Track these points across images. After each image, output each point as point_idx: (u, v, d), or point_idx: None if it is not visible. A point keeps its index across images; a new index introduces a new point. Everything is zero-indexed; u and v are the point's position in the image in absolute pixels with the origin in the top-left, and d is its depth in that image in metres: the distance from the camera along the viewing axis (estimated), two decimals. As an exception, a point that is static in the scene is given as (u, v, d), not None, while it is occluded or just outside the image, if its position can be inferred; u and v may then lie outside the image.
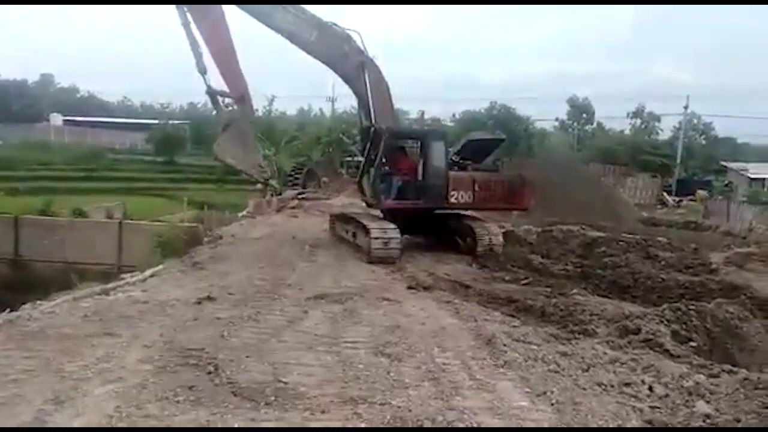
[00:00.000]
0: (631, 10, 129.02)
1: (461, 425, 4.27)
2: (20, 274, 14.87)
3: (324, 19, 12.58)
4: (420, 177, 12.35)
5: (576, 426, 4.38)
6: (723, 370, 5.25)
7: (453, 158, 13.22)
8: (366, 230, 11.44)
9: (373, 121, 12.69)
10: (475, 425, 4.30)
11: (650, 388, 4.98)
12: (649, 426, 4.36)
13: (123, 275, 10.59)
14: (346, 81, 12.96)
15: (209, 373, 5.02)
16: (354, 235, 12.52)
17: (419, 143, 13.11)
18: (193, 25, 11.68)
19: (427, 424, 4.24)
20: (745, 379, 4.88)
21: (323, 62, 12.71)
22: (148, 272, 10.12)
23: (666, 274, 10.34)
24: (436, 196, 12.18)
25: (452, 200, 12.25)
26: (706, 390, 4.82)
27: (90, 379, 4.80)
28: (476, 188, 12.40)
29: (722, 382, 4.96)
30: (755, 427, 3.95)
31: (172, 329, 6.29)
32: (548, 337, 6.62)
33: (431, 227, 13.26)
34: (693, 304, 7.07)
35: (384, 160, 12.45)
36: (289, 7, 12.36)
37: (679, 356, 5.76)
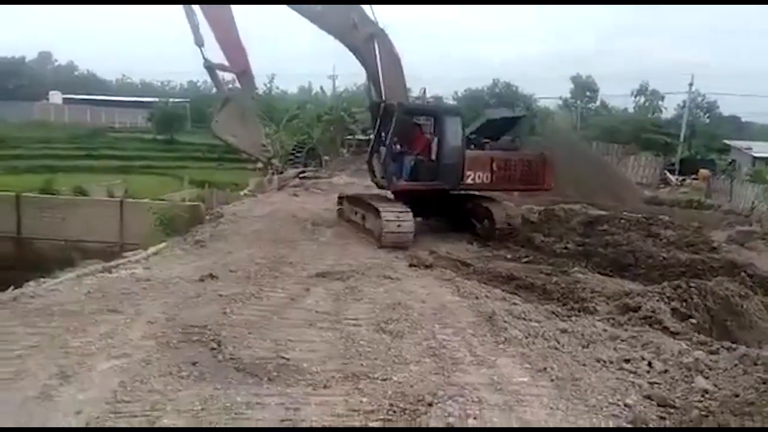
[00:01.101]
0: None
1: (462, 400, 4.32)
2: (22, 252, 14.93)
3: None
4: (434, 156, 11.64)
5: (575, 398, 4.43)
6: (722, 347, 5.29)
7: (469, 136, 12.42)
8: (377, 213, 10.82)
9: (384, 96, 12.00)
10: (476, 400, 4.35)
11: (649, 364, 5.03)
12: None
13: (125, 253, 10.61)
14: (355, 53, 12.15)
15: (212, 349, 5.08)
16: (364, 217, 11.93)
17: (433, 120, 12.29)
18: None
19: (428, 399, 4.29)
20: (744, 355, 4.92)
21: (331, 33, 11.89)
22: (150, 250, 10.14)
23: (667, 253, 10.35)
24: (451, 177, 11.50)
25: (468, 181, 11.60)
26: (705, 366, 4.86)
27: (94, 355, 4.86)
28: (494, 168, 11.72)
29: (721, 359, 5.00)
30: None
31: (175, 306, 6.33)
32: (549, 314, 6.67)
33: (445, 209, 12.62)
34: (693, 282, 7.09)
35: (395, 138, 11.73)
36: None
37: (678, 333, 5.80)
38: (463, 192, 12.18)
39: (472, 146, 12.19)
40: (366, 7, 11.82)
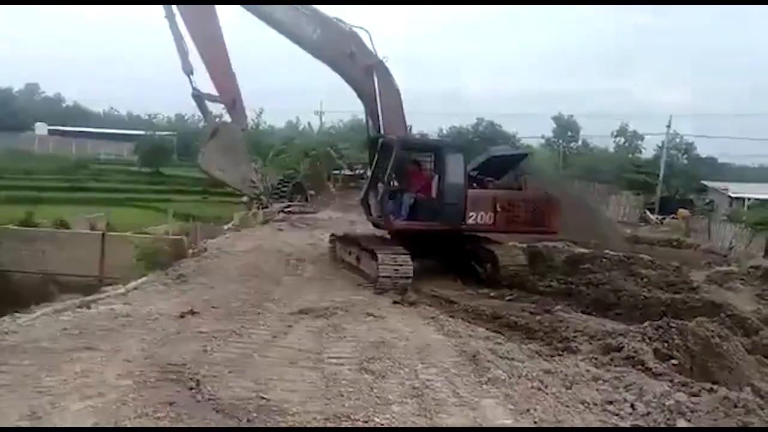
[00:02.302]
0: (613, 28, 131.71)
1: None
2: (0, 286, 14.56)
3: (328, 15, 11.43)
4: (434, 194, 11.04)
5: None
6: (703, 389, 5.30)
7: (470, 173, 11.73)
8: (373, 255, 10.17)
9: (382, 131, 11.65)
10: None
11: (632, 406, 5.03)
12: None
13: (105, 288, 10.39)
14: (353, 85, 11.77)
15: (191, 388, 4.97)
16: (358, 259, 11.25)
17: (434, 156, 11.72)
18: (178, 18, 10.34)
19: (410, 442, 4.22)
20: (725, 397, 4.94)
21: (327, 63, 11.50)
22: (130, 285, 9.96)
23: (648, 292, 10.45)
24: (452, 217, 10.82)
25: (470, 222, 10.92)
26: (687, 408, 4.87)
27: (68, 395, 4.72)
28: (497, 209, 11.02)
29: (702, 401, 5.01)
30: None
31: (154, 343, 6.22)
32: (532, 353, 6.66)
33: (444, 251, 11.74)
34: (674, 322, 7.13)
35: (394, 174, 11.25)
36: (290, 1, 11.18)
37: (660, 374, 5.80)
38: (464, 233, 11.48)
39: (474, 185, 11.59)
40: (365, 38, 11.49)
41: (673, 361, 6.30)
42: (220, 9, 10.71)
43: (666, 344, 6.58)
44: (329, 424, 4.48)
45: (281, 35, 11.31)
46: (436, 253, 11.79)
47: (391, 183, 11.23)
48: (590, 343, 7.16)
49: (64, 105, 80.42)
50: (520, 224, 11.46)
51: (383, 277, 9.80)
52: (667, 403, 4.98)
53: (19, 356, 5.58)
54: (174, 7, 10.31)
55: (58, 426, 4.16)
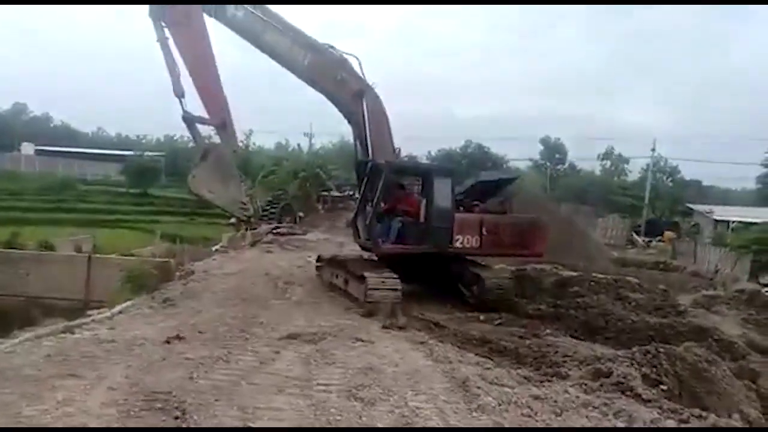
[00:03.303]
0: (604, 54, 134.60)
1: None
2: (-20, 309, 14.27)
3: (319, 41, 11.57)
4: (422, 218, 11.20)
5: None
6: (692, 415, 5.32)
7: (458, 199, 11.86)
8: (361, 278, 10.21)
9: (371, 155, 11.73)
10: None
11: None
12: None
13: (90, 311, 10.23)
14: (342, 110, 11.89)
15: (176, 418, 4.87)
16: (346, 282, 11.27)
17: (422, 181, 11.88)
18: (171, 41, 10.47)
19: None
20: (714, 424, 4.95)
21: (317, 89, 11.67)
22: (116, 309, 9.83)
23: (636, 316, 10.50)
24: (439, 240, 10.96)
25: (457, 245, 11.08)
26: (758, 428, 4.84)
27: (49, 425, 4.60)
28: (484, 232, 11.24)
29: (692, 428, 5.01)
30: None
31: (139, 370, 6.10)
32: (522, 379, 6.64)
33: (431, 273, 11.93)
34: (662, 347, 7.17)
35: (382, 198, 11.31)
36: (281, 26, 11.29)
37: (649, 400, 5.81)
38: (451, 256, 11.54)
39: (461, 208, 11.72)
40: (354, 63, 11.64)
41: (662, 387, 6.31)
42: (213, 33, 10.84)
43: (655, 369, 6.60)
44: (317, 454, 4.41)
45: (272, 60, 11.44)
46: (423, 275, 11.90)
47: (380, 207, 11.29)
48: (580, 369, 7.14)
49: (51, 125, 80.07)
50: (505, 247, 11.69)
51: (371, 301, 9.79)
52: (656, 431, 4.97)
53: (0, 384, 5.45)
54: (166, 30, 10.42)
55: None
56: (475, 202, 12.30)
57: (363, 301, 9.99)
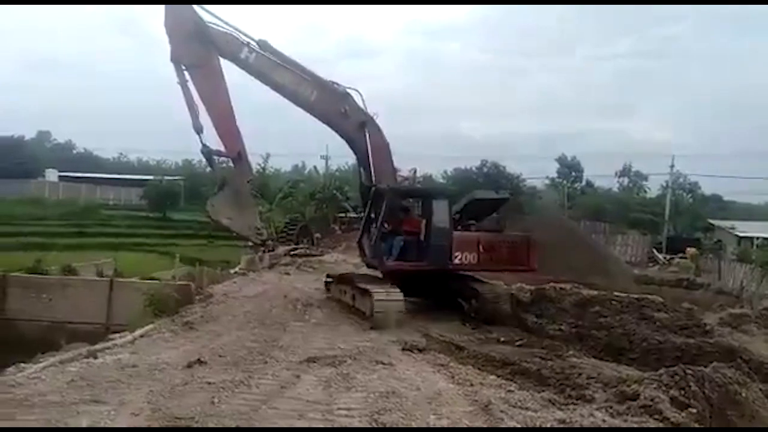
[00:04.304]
0: (611, 70, 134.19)
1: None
2: (5, 334, 14.49)
3: (324, 78, 12.45)
4: (423, 237, 11.94)
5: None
6: (724, 440, 5.15)
7: (454, 217, 12.61)
8: (367, 293, 10.92)
9: (374, 180, 12.50)
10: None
11: (651, 460, 4.86)
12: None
13: (112, 335, 10.35)
14: (347, 140, 12.79)
15: (198, 443, 4.87)
16: (354, 297, 11.97)
17: (422, 202, 12.78)
18: (190, 84, 11.47)
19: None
20: (747, 450, 4.78)
21: (323, 121, 12.53)
22: (137, 332, 9.93)
23: (661, 336, 10.26)
24: (439, 258, 11.69)
25: (456, 262, 11.79)
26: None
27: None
28: (481, 249, 11.95)
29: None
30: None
31: (161, 395, 6.13)
32: (545, 402, 6.51)
33: (432, 289, 12.69)
34: (690, 368, 6.99)
35: (386, 219, 12.06)
36: (289, 65, 12.18)
37: (679, 424, 5.65)
38: (450, 272, 12.22)
39: (459, 227, 12.41)
40: (356, 96, 12.54)
41: (692, 410, 6.13)
42: (228, 73, 11.86)
43: (683, 392, 6.42)
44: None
45: (282, 97, 12.36)
46: (425, 290, 12.68)
47: (384, 227, 12.02)
48: (604, 391, 6.98)
49: (74, 151, 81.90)
50: (501, 263, 12.43)
51: (378, 312, 10.49)
52: (687, 456, 4.82)
53: (25, 411, 5.52)
54: (186, 74, 11.42)
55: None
56: (471, 222, 12.98)
57: (370, 314, 10.66)
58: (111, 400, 5.92)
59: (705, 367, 7.36)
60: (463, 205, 13.40)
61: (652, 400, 6.19)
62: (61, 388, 6.31)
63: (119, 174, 66.56)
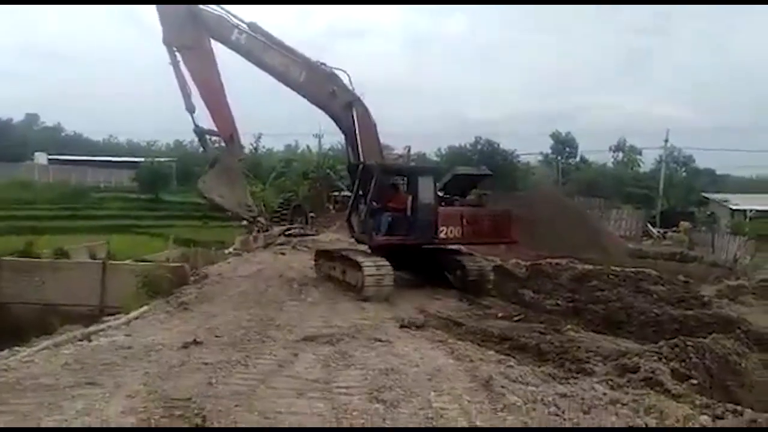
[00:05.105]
0: (612, 45, 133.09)
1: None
2: (0, 318, 14.35)
3: (312, 59, 12.70)
4: (410, 213, 12.29)
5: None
6: (727, 410, 5.12)
7: (439, 193, 13.15)
8: (358, 266, 11.28)
9: (361, 158, 12.71)
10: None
11: (655, 432, 4.83)
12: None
13: (106, 317, 10.23)
14: (335, 119, 13.02)
15: (196, 425, 4.78)
16: (344, 272, 12.29)
17: (408, 179, 13.12)
18: (182, 64, 11.70)
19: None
20: (752, 420, 4.76)
21: (312, 101, 12.77)
22: (132, 314, 9.80)
23: (659, 309, 10.30)
24: (426, 232, 12.10)
25: (442, 236, 12.22)
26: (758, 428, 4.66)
27: (69, 435, 4.54)
28: (465, 223, 12.40)
29: (728, 424, 4.82)
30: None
31: (157, 377, 6.03)
32: (546, 377, 6.47)
33: (419, 262, 13.19)
34: (690, 340, 6.98)
35: (374, 196, 12.36)
36: (278, 47, 12.43)
37: (680, 396, 5.63)
38: (436, 246, 12.68)
39: (443, 203, 12.84)
40: (344, 77, 12.77)
41: (692, 381, 6.14)
42: (219, 54, 12.09)
43: (683, 363, 6.42)
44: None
45: (271, 76, 12.54)
46: (412, 264, 13.20)
47: (372, 204, 12.31)
48: (604, 364, 6.98)
49: (63, 134, 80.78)
50: (484, 235, 12.94)
51: (368, 285, 10.90)
52: (691, 427, 4.79)
53: (18, 394, 5.40)
54: (178, 54, 11.62)
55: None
56: (456, 197, 13.44)
57: (360, 286, 11.05)
58: (106, 382, 5.81)
59: (704, 338, 7.37)
60: (447, 182, 13.86)
61: (652, 372, 6.18)
62: (55, 371, 6.19)
63: (109, 156, 65.79)
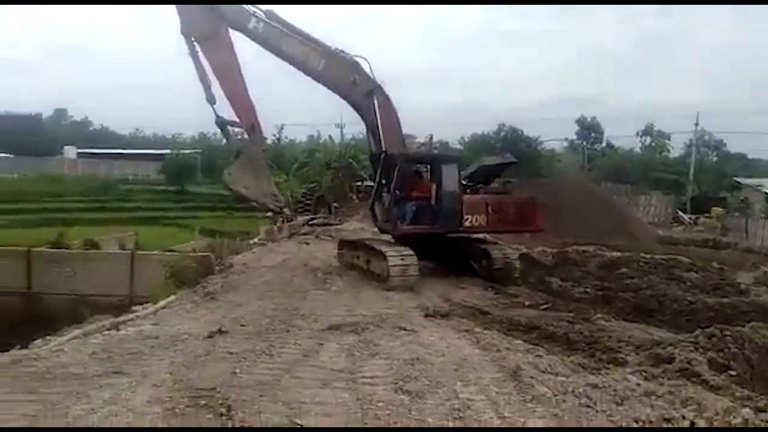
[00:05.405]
0: (631, 31, 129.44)
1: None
2: (32, 308, 14.70)
3: (332, 47, 12.52)
4: (434, 201, 12.16)
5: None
6: (770, 403, 4.89)
7: (463, 182, 12.97)
8: (382, 256, 11.21)
9: (384, 147, 12.56)
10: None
11: (693, 425, 4.63)
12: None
13: (134, 307, 10.38)
14: (355, 108, 12.83)
15: (221, 415, 4.76)
16: (368, 261, 12.23)
17: (431, 167, 12.97)
18: (201, 55, 11.68)
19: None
20: (797, 413, 4.52)
21: (332, 90, 12.61)
22: (159, 304, 9.92)
23: (693, 296, 9.97)
24: (450, 220, 11.97)
25: (467, 224, 12.07)
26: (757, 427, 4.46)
27: (95, 425, 4.56)
28: (490, 211, 12.23)
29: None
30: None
31: (183, 366, 6.05)
32: (576, 367, 6.29)
33: (444, 251, 13.03)
34: (727, 329, 6.71)
35: (398, 185, 12.26)
36: (298, 36, 12.31)
37: (719, 387, 5.39)
38: (461, 234, 12.56)
39: (468, 191, 12.70)
40: (364, 65, 12.53)
41: (731, 372, 5.89)
42: (238, 44, 12.07)
43: (721, 353, 6.17)
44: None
45: (290, 66, 12.39)
46: (437, 253, 12.97)
47: (396, 193, 12.17)
48: (637, 354, 6.74)
49: (91, 128, 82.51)
50: (509, 223, 12.74)
51: (394, 275, 10.81)
52: (732, 421, 4.57)
53: (48, 383, 5.47)
54: (197, 45, 11.61)
55: None
56: (480, 185, 13.23)
57: (386, 276, 10.99)
58: (133, 371, 5.85)
59: (742, 327, 7.08)
60: (471, 173, 13.68)
61: (689, 362, 5.96)
62: (83, 360, 6.26)
63: (136, 149, 66.96)
